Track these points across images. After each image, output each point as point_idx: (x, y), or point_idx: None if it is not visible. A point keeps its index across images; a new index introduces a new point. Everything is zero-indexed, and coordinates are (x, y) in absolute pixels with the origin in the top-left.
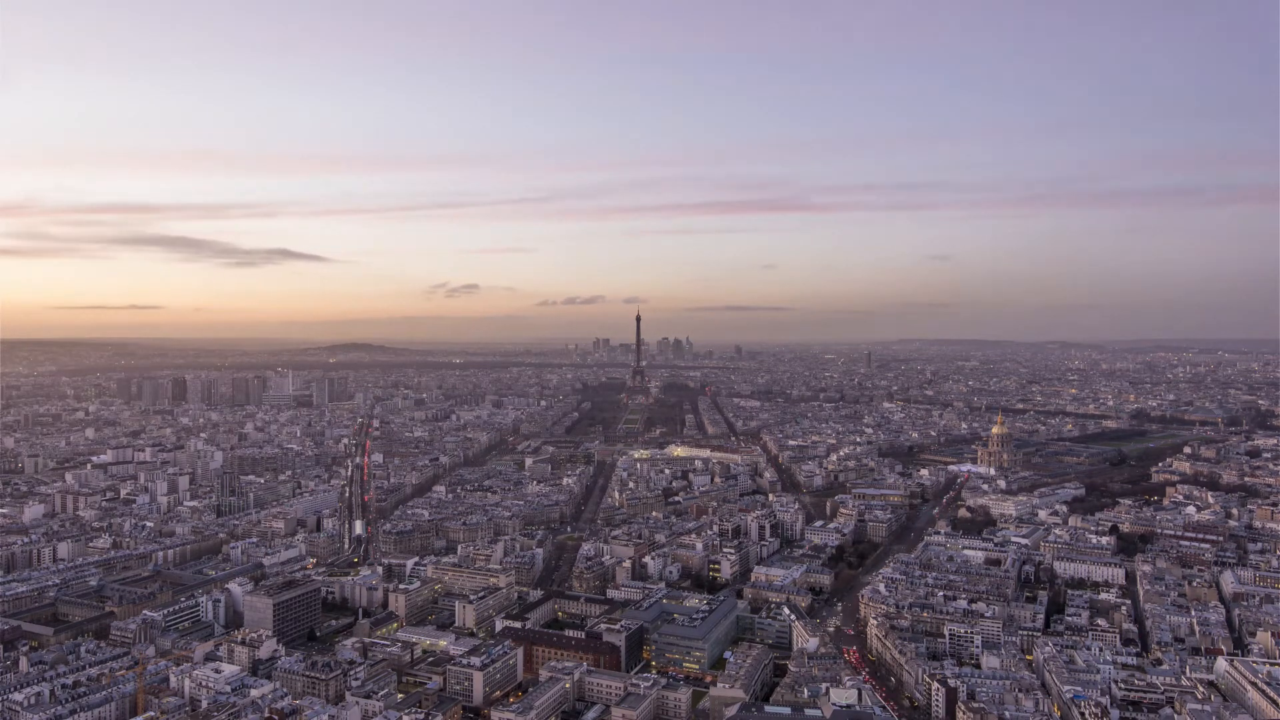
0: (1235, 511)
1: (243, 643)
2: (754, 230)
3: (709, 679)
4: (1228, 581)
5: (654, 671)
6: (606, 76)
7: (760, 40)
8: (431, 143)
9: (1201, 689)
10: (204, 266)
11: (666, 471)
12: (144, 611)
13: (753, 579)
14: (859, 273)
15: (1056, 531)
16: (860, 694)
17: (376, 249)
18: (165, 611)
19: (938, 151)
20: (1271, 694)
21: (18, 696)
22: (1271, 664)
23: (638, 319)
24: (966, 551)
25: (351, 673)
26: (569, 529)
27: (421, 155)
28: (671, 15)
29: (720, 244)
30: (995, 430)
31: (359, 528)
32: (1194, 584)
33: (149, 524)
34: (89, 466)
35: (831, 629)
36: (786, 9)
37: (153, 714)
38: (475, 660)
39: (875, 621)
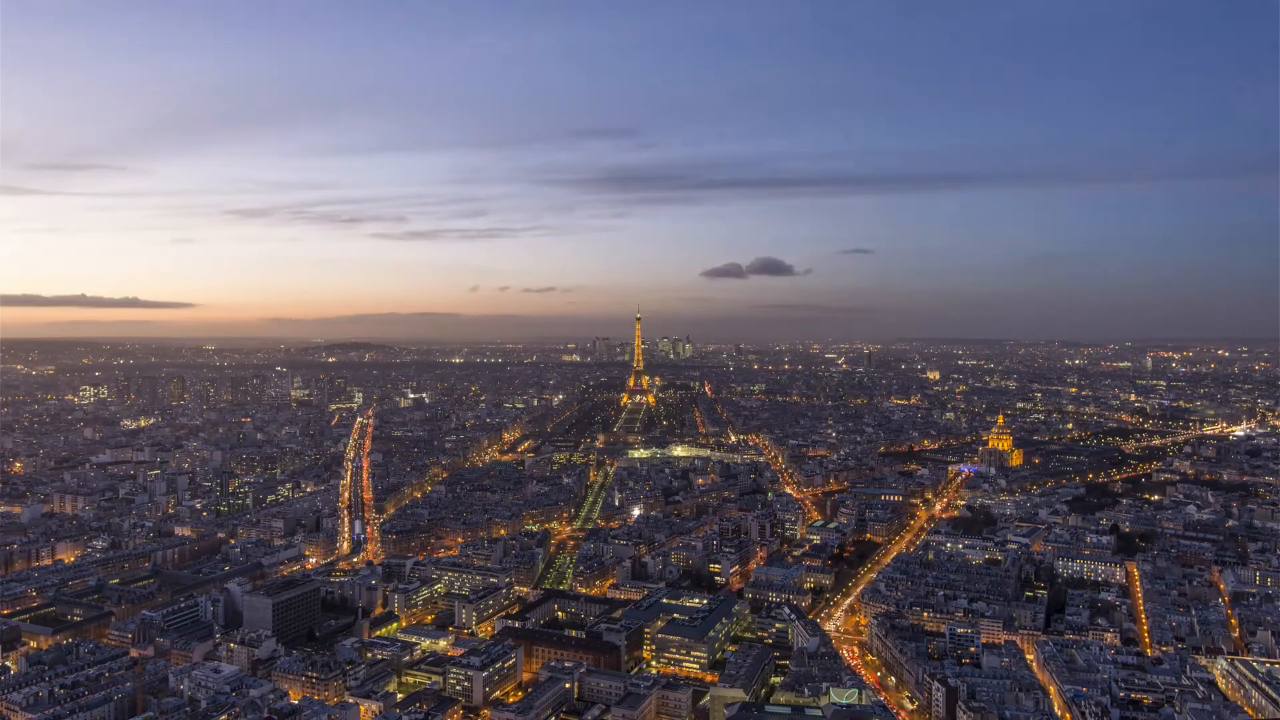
0: (1235, 510)
1: (242, 642)
2: None
3: (709, 679)
4: (1228, 581)
5: (654, 671)
6: None
7: None
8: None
9: (1201, 688)
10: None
11: (666, 471)
12: (143, 611)
13: (753, 579)
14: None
15: (1057, 530)
16: (860, 694)
17: None
18: (164, 611)
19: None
20: (1272, 693)
21: (16, 697)
22: (1272, 663)
23: (637, 319)
24: (966, 551)
25: (351, 673)
26: (568, 528)
27: None
28: None
29: None
30: (995, 430)
31: (358, 527)
32: (1194, 583)
33: (148, 524)
34: (87, 466)
35: (831, 629)
36: None
37: (151, 714)
38: (475, 660)
39: (875, 621)
